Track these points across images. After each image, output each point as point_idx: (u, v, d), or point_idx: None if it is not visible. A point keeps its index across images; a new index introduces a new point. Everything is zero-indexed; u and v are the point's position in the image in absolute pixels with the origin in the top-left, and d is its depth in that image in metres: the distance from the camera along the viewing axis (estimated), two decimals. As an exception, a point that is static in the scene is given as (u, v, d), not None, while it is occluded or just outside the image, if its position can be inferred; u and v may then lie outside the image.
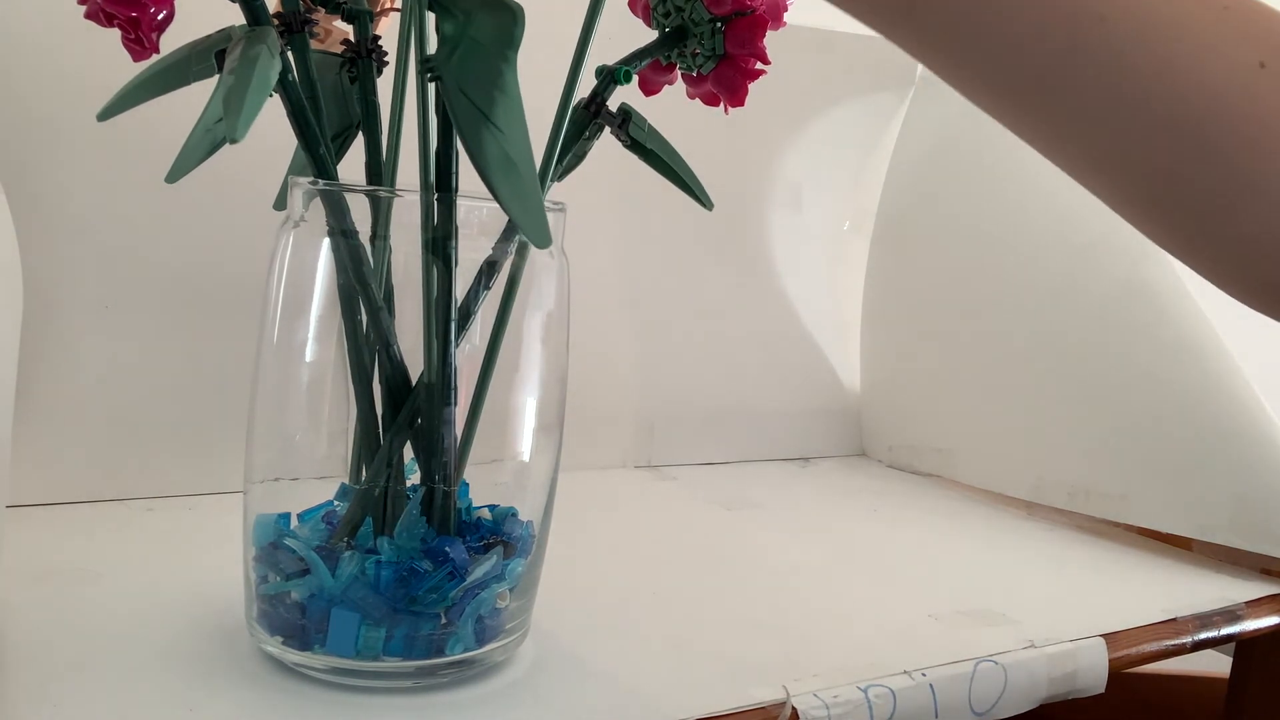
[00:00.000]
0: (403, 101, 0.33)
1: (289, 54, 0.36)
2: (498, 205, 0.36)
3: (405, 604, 0.36)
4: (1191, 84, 0.29)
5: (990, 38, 0.32)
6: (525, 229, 0.30)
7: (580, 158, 0.42)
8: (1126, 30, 0.30)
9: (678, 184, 0.42)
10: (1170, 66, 0.30)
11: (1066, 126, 0.32)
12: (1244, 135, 0.29)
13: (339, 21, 0.38)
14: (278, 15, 0.35)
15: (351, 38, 0.38)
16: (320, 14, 0.37)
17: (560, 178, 0.42)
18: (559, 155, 0.39)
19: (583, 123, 0.41)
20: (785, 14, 0.40)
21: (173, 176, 0.34)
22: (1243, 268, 0.31)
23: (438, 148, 0.35)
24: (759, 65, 0.41)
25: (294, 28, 0.35)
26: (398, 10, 0.38)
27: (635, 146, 0.42)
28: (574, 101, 0.39)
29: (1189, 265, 0.33)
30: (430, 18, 0.35)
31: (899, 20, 0.33)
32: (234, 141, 0.29)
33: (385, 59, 0.37)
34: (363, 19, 0.37)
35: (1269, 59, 0.29)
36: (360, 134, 0.38)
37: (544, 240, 0.31)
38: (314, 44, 0.37)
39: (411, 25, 0.34)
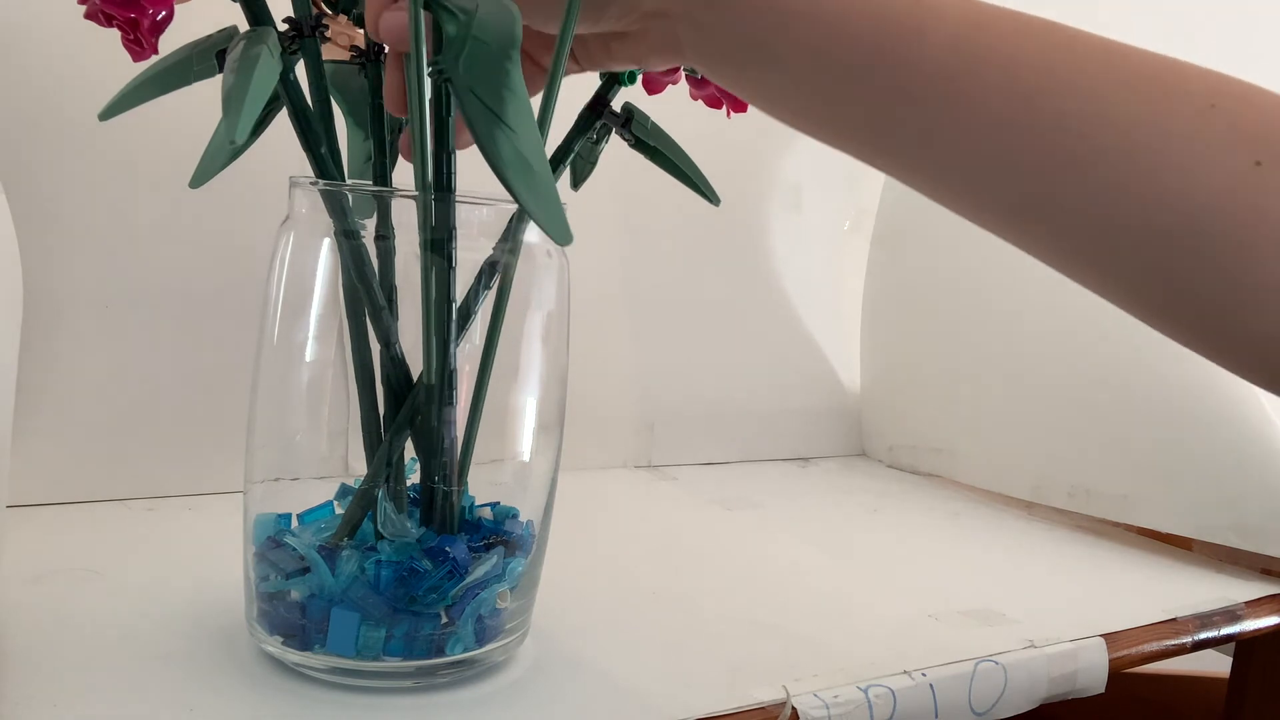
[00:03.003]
0: (423, 103, 0.33)
1: (295, 56, 0.36)
2: (495, 206, 0.36)
3: (405, 603, 0.36)
4: (1183, 191, 0.28)
5: (962, 167, 0.31)
6: (546, 226, 0.30)
7: (593, 164, 0.42)
8: (1108, 143, 0.29)
9: (684, 180, 0.42)
10: (1158, 176, 0.29)
11: (1051, 241, 0.31)
12: (1243, 238, 0.28)
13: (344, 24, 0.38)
14: (288, 19, 0.35)
15: (359, 42, 0.38)
16: (341, 20, 0.37)
17: (576, 186, 0.42)
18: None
19: (587, 123, 0.41)
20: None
21: (195, 182, 0.34)
22: (1263, 363, 0.30)
23: (434, 148, 0.35)
24: None
25: (305, 32, 0.35)
26: None
27: (640, 144, 0.42)
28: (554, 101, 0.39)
29: (1209, 359, 0.32)
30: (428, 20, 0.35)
31: (860, 139, 0.33)
32: (234, 143, 0.29)
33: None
34: None
35: (1264, 157, 0.28)
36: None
37: (565, 237, 0.31)
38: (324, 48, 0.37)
39: (414, 26, 0.34)
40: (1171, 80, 0.30)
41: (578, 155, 0.41)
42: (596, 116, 0.41)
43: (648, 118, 0.42)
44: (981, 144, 0.31)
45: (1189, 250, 0.29)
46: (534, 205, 0.30)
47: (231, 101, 0.29)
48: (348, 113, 0.40)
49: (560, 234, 0.31)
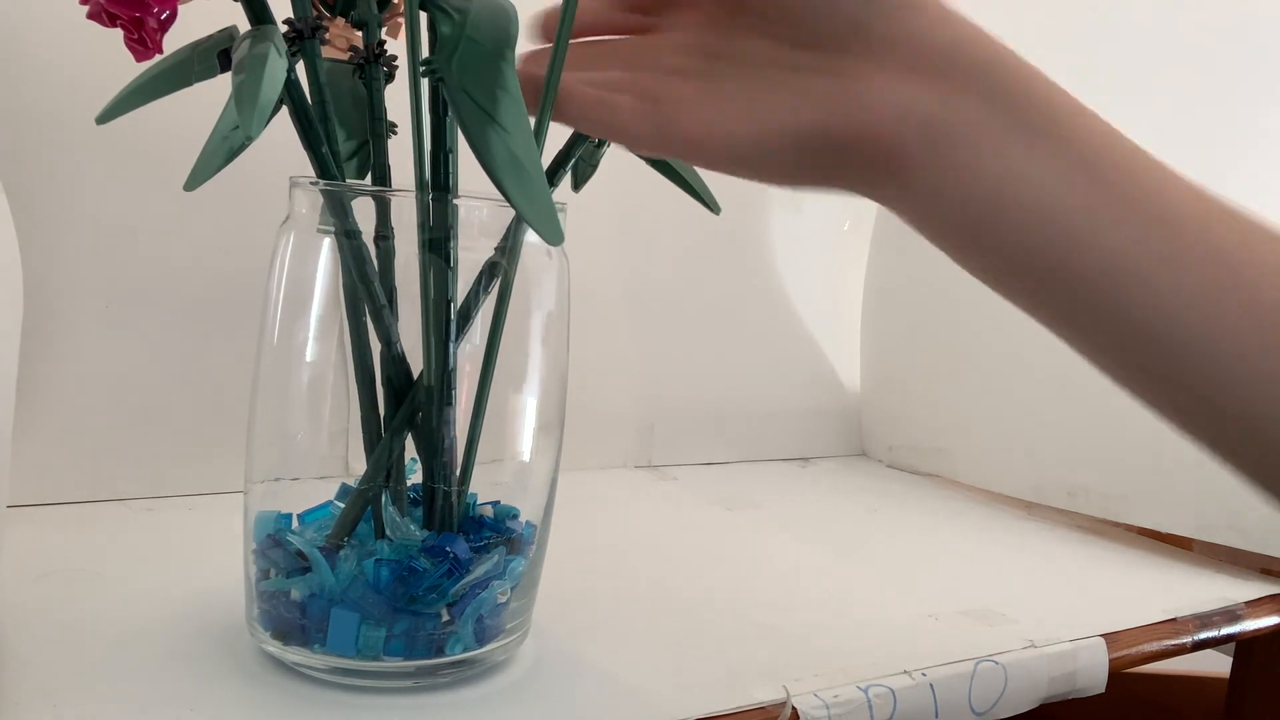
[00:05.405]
0: (419, 103, 0.33)
1: (295, 58, 0.36)
2: (494, 205, 0.36)
3: (405, 603, 0.36)
4: None
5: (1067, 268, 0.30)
6: (537, 227, 0.30)
7: (594, 167, 0.42)
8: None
9: (684, 188, 0.42)
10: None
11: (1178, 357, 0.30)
12: None
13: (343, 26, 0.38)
14: (288, 21, 0.35)
15: (357, 44, 0.38)
16: (339, 23, 0.37)
17: (577, 189, 0.42)
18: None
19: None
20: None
21: (190, 184, 0.34)
22: None
23: (432, 148, 0.36)
24: None
25: (305, 34, 0.35)
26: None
27: None
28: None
29: None
30: (425, 19, 0.35)
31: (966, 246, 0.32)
32: (250, 139, 0.28)
33: (395, 64, 0.37)
34: (370, 25, 0.37)
35: None
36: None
37: (556, 238, 0.31)
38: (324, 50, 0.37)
39: (410, 26, 0.34)
40: None
41: (580, 159, 0.41)
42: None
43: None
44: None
45: None
46: (526, 206, 0.30)
47: (244, 97, 0.29)
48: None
49: (552, 234, 0.31)
